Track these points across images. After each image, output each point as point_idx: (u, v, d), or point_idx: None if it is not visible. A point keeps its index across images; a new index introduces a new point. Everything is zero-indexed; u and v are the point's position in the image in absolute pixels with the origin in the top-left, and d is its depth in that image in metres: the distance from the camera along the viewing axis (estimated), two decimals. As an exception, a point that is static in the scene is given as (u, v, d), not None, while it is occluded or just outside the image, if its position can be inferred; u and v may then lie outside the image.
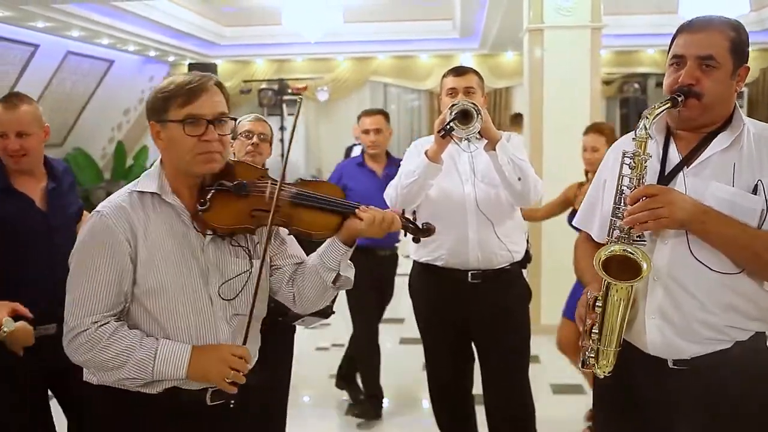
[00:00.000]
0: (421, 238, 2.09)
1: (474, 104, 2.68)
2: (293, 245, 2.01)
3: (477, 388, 3.25)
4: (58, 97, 8.93)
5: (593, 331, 1.86)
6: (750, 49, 1.90)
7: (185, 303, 1.77)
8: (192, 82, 1.75)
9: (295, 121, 1.98)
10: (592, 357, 1.88)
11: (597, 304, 1.84)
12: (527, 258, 3.17)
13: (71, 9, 7.28)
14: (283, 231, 1.97)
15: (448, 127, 2.63)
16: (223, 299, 1.81)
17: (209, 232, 1.81)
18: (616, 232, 1.82)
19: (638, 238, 1.80)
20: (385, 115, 4.22)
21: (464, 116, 2.66)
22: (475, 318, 3.04)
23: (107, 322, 1.72)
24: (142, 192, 1.80)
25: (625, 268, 1.78)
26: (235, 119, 1.95)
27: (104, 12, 7.76)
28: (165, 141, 1.78)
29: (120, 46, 9.25)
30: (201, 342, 1.78)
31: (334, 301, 2.96)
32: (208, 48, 10.79)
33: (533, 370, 3.22)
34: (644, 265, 1.76)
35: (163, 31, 9.02)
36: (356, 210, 1.88)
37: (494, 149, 2.76)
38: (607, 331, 1.84)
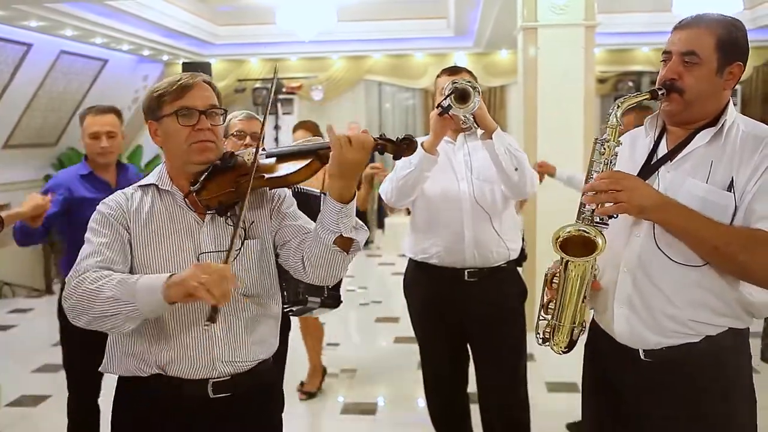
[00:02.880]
0: (404, 157, 1.90)
1: (470, 82, 2.68)
2: (301, 218, 2.01)
3: (472, 386, 3.25)
4: (51, 97, 8.89)
5: (549, 306, 1.94)
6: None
7: None
8: (182, 79, 1.88)
9: (270, 97, 2.03)
10: (548, 332, 1.96)
11: (554, 280, 1.92)
12: (523, 257, 3.17)
13: (64, 8, 7.25)
14: (287, 205, 2.00)
15: (446, 105, 2.64)
16: None
17: (209, 211, 1.89)
18: (583, 215, 1.87)
19: (600, 221, 1.84)
20: (118, 113, 3.32)
21: (461, 95, 2.66)
22: (471, 316, 3.04)
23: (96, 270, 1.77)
24: (144, 185, 1.94)
25: (583, 247, 1.84)
26: (226, 111, 1.98)
27: (98, 11, 7.73)
28: (162, 137, 1.91)
29: (114, 46, 9.21)
30: (193, 316, 1.83)
31: (338, 288, 2.96)
32: (202, 47, 10.76)
33: (528, 367, 3.22)
34: (599, 242, 1.81)
35: (157, 30, 8.99)
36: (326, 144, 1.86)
37: (491, 138, 2.77)
38: (564, 308, 1.91)
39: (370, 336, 6.14)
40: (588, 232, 1.83)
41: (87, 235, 1.85)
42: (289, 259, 1.95)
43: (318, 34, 8.45)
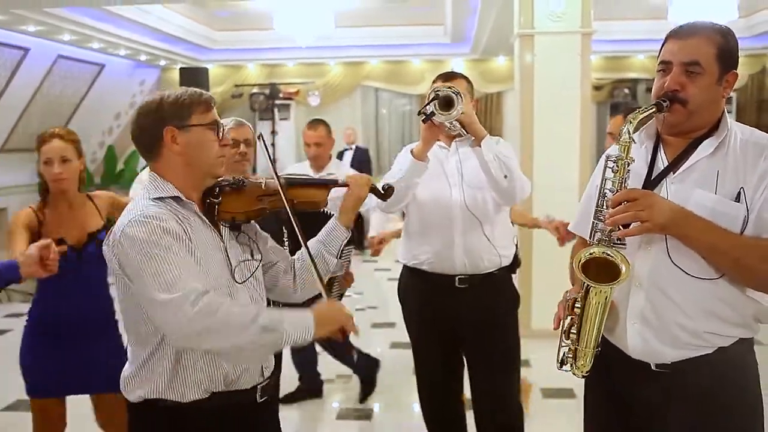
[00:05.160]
0: (385, 200, 2.23)
1: (452, 88, 2.68)
2: (272, 241, 2.13)
3: (467, 392, 3.26)
4: (48, 101, 8.90)
5: (572, 331, 1.89)
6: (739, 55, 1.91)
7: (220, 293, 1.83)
8: (203, 93, 1.90)
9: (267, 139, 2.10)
10: (570, 357, 1.91)
11: (576, 305, 1.87)
12: (516, 263, 3.17)
13: (62, 13, 7.26)
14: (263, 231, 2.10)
15: (429, 112, 2.65)
16: (237, 282, 1.89)
17: (225, 224, 1.93)
18: (598, 235, 1.84)
19: (618, 242, 1.81)
20: None
21: (446, 102, 2.67)
22: (463, 322, 3.04)
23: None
24: (160, 198, 1.82)
25: (604, 271, 1.79)
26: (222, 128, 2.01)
27: (95, 16, 7.74)
28: (183, 146, 1.84)
29: (111, 50, 9.22)
30: None
31: None
32: (199, 52, 10.78)
33: (524, 373, 3.22)
34: (623, 268, 1.77)
35: (155, 35, 9.00)
36: (338, 180, 2.10)
37: (480, 146, 2.78)
38: (586, 332, 1.86)
39: (366, 341, 6.11)
40: (612, 257, 1.79)
41: (161, 252, 1.70)
42: (278, 281, 2.06)
43: (315, 40, 8.47)
